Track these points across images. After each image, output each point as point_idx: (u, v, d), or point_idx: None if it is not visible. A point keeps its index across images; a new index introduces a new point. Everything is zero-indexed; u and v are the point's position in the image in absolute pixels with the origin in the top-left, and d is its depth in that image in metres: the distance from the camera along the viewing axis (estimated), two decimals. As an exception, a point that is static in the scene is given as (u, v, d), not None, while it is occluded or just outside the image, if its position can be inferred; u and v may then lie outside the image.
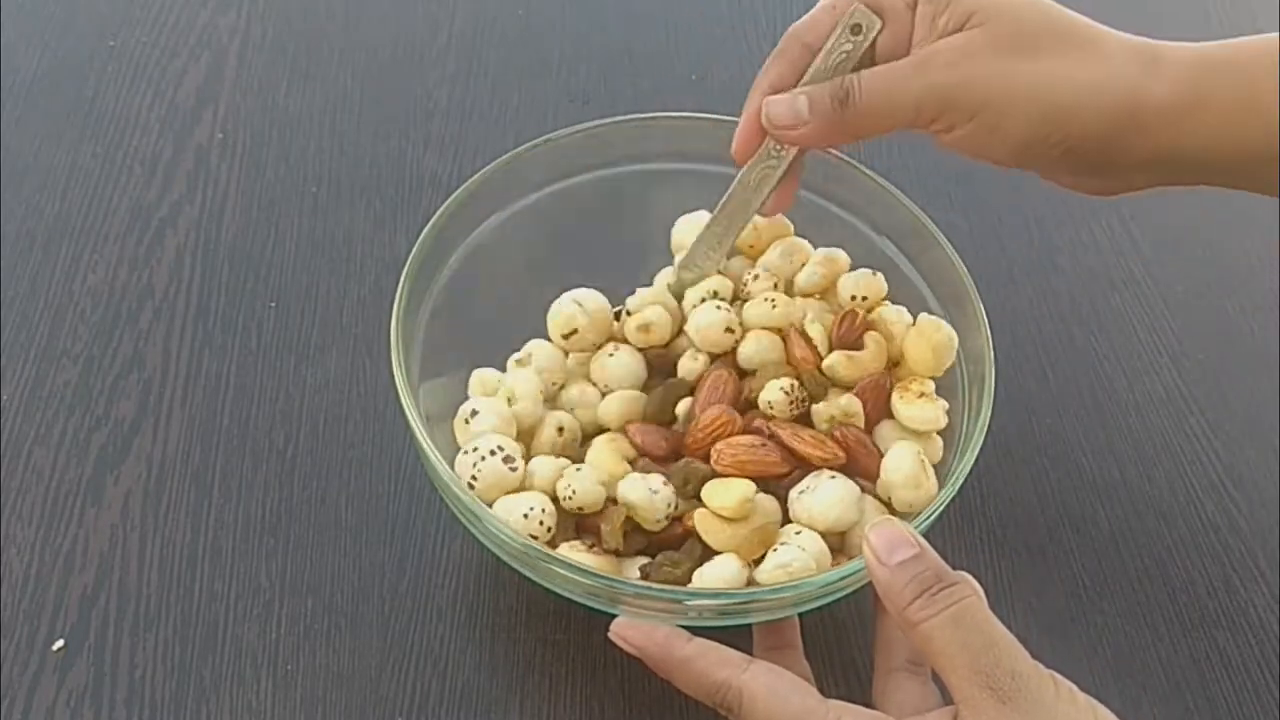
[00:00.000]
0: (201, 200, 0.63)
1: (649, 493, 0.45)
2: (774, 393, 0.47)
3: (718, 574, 0.43)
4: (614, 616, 0.42)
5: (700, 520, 0.44)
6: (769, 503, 0.46)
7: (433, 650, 0.48)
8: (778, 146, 0.49)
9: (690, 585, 0.43)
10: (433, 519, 0.52)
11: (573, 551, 0.44)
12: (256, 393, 0.55)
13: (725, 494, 0.44)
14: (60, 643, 0.47)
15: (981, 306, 0.49)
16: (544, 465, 0.46)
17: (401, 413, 0.45)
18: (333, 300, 0.59)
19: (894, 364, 0.50)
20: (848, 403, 0.47)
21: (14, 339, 0.56)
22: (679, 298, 0.51)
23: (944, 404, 0.47)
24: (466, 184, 0.51)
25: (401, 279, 0.47)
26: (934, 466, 0.48)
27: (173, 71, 0.69)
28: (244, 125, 0.67)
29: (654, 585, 0.43)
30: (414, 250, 0.48)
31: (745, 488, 0.44)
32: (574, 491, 0.45)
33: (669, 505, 0.45)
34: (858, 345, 0.49)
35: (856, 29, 0.46)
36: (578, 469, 0.45)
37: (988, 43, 0.45)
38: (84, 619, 0.48)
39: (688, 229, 0.53)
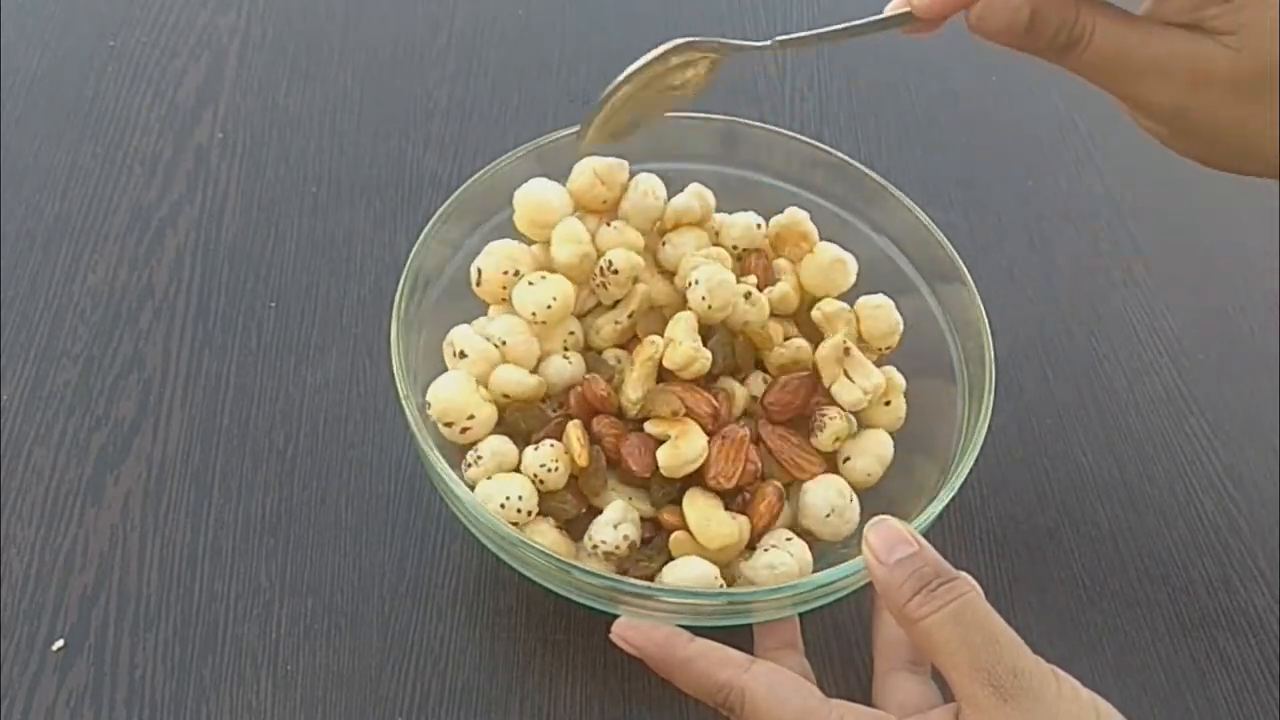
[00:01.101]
0: (201, 200, 0.63)
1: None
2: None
3: (688, 573, 0.44)
4: (614, 616, 0.42)
5: (674, 541, 0.45)
6: (742, 524, 0.46)
7: (433, 650, 0.48)
8: None
9: (663, 581, 0.44)
10: (433, 519, 0.52)
11: (544, 531, 0.45)
12: (256, 393, 0.55)
13: (712, 530, 0.45)
14: (60, 643, 0.47)
15: (982, 306, 0.49)
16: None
17: (401, 413, 0.45)
18: (333, 300, 0.59)
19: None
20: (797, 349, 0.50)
21: (14, 339, 0.56)
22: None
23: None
24: (466, 184, 0.51)
25: (401, 279, 0.47)
26: (935, 467, 0.48)
27: (173, 71, 0.69)
28: (244, 125, 0.67)
29: (655, 587, 0.43)
30: (414, 250, 0.48)
31: (730, 530, 0.45)
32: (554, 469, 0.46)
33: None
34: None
35: None
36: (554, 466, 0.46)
37: (1228, 75, 0.43)
38: (84, 619, 0.48)
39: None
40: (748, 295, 0.49)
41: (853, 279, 0.52)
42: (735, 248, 0.52)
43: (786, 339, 0.51)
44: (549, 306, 0.48)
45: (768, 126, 0.55)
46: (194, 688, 0.46)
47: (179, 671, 0.47)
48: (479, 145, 0.66)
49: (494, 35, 0.73)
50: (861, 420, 0.50)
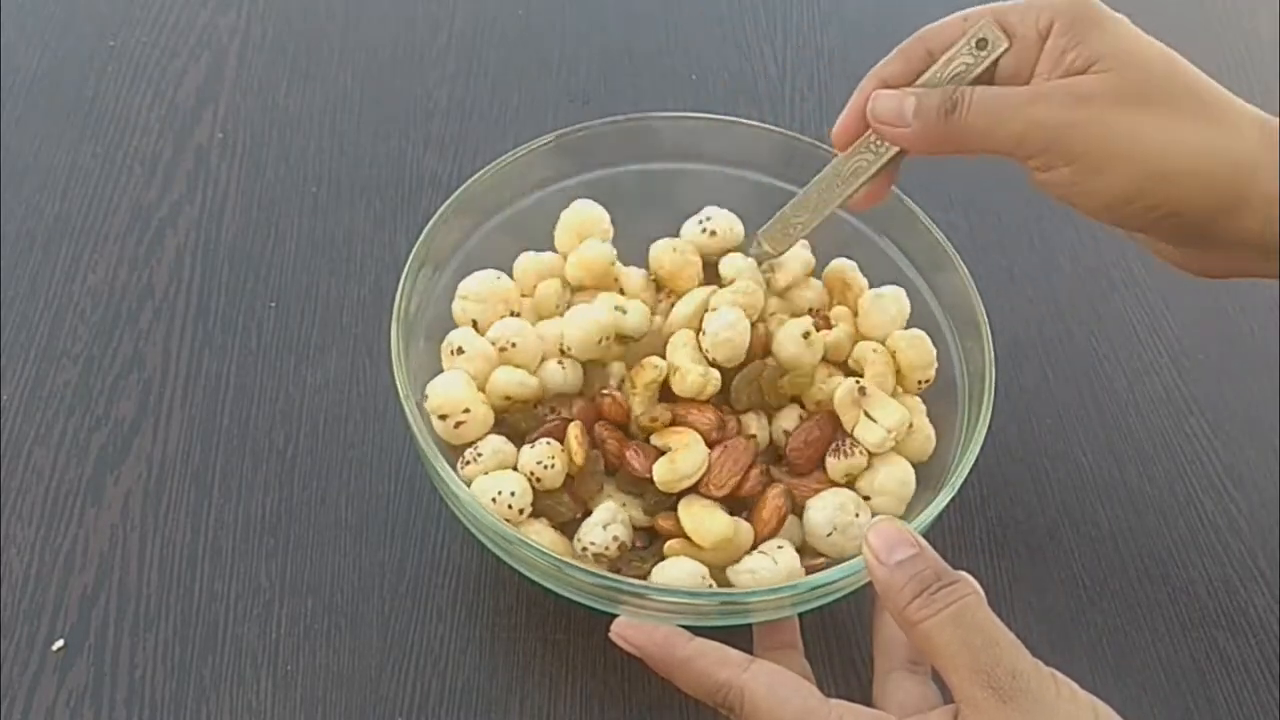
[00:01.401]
0: (201, 200, 0.63)
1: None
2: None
3: (676, 572, 0.44)
4: (614, 616, 0.42)
5: (669, 546, 0.45)
6: (743, 526, 0.46)
7: (433, 650, 0.48)
8: (878, 141, 0.48)
9: (655, 581, 0.44)
10: (433, 519, 0.52)
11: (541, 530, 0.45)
12: (256, 393, 0.55)
13: (705, 527, 0.44)
14: (60, 643, 0.47)
15: (982, 307, 0.49)
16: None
17: (401, 413, 0.45)
18: (333, 300, 0.59)
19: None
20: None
21: (14, 339, 0.56)
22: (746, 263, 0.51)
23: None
24: (466, 184, 0.51)
25: (401, 279, 0.47)
26: (935, 467, 0.48)
27: (173, 71, 0.69)
28: (244, 125, 0.67)
29: (651, 586, 0.43)
30: (414, 250, 0.48)
31: (725, 526, 0.45)
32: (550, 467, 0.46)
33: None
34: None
35: (982, 44, 0.45)
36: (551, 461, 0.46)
37: (1107, 89, 0.43)
38: (84, 619, 0.48)
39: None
40: (806, 335, 0.48)
41: (905, 317, 0.51)
42: (812, 310, 0.52)
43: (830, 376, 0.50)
44: (600, 342, 0.48)
45: (767, 126, 0.55)
46: (194, 688, 0.46)
47: (179, 671, 0.47)
48: (479, 145, 0.66)
49: (494, 35, 0.73)
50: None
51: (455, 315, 0.49)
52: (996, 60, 0.45)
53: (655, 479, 0.45)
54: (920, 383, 0.50)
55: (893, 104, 0.46)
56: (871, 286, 0.53)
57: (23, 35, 0.70)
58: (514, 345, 0.48)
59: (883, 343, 0.50)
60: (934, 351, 0.50)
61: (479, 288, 0.49)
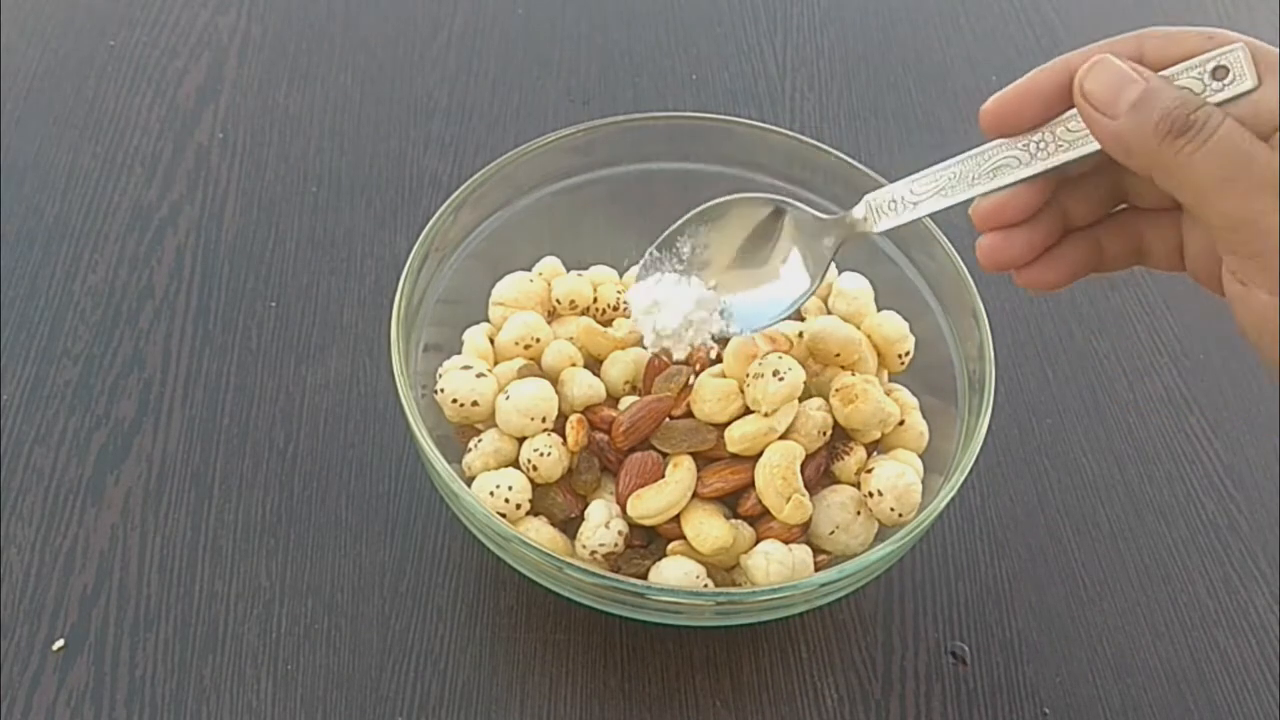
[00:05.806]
0: (201, 200, 0.63)
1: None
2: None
3: (671, 572, 0.44)
4: (616, 617, 0.42)
5: (670, 546, 0.45)
6: (744, 529, 0.46)
7: (433, 650, 0.48)
8: (1041, 143, 0.37)
9: (653, 580, 0.44)
10: (433, 519, 0.52)
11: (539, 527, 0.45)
12: (256, 393, 0.55)
13: (704, 533, 0.44)
14: (60, 643, 0.47)
15: (982, 306, 0.49)
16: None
17: (401, 413, 0.45)
18: (333, 300, 0.59)
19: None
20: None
21: (14, 339, 0.56)
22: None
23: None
24: (466, 184, 0.51)
25: (401, 279, 0.47)
26: (934, 465, 0.48)
27: (173, 71, 0.69)
28: (244, 125, 0.67)
29: (648, 585, 0.43)
30: (414, 250, 0.48)
31: (724, 533, 0.44)
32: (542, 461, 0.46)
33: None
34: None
35: (1221, 72, 0.34)
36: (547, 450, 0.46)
37: None
38: (84, 619, 0.48)
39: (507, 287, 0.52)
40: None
41: (872, 298, 0.52)
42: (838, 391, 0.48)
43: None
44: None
45: (767, 126, 0.55)
46: (194, 688, 0.46)
47: (179, 671, 0.47)
48: (479, 145, 0.66)
49: (494, 35, 0.73)
50: (885, 446, 0.49)
51: (493, 320, 0.51)
52: (1233, 100, 0.34)
53: (629, 512, 0.45)
54: (900, 357, 0.50)
55: (1113, 80, 0.34)
56: (878, 292, 0.52)
57: (23, 35, 0.70)
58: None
59: (858, 326, 0.50)
60: (906, 325, 0.50)
61: (513, 291, 0.51)
